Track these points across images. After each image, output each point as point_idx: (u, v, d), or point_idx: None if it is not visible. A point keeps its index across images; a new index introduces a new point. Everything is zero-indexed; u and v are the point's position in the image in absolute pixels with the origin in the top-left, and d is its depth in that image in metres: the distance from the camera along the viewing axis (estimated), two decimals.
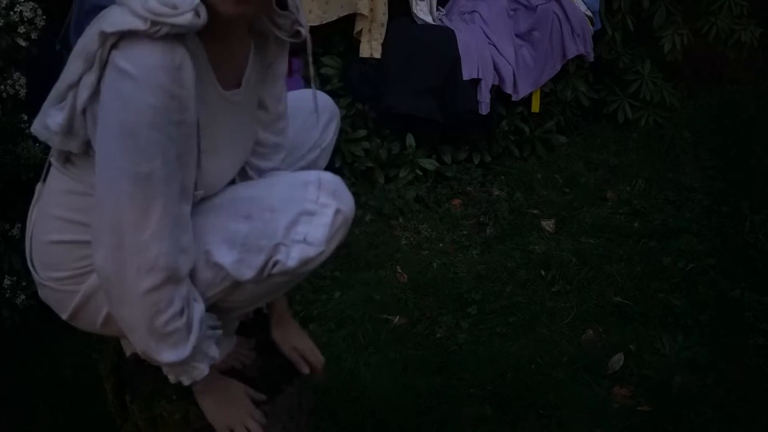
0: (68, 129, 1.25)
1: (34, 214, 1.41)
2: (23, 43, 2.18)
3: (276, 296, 1.53)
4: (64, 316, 1.42)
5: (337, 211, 1.37)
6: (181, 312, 1.27)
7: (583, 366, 2.36)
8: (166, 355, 1.29)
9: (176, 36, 1.17)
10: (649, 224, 3.05)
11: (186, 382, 1.35)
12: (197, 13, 1.18)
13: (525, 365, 2.35)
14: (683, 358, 2.37)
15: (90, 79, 1.19)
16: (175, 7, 1.16)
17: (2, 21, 2.15)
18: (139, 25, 1.15)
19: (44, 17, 2.22)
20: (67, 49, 2.83)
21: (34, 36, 2.19)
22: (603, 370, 2.35)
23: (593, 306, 2.63)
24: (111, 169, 1.20)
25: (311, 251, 1.35)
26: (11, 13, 2.16)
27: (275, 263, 1.33)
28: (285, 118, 1.51)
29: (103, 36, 1.16)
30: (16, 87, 2.16)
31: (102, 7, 3.01)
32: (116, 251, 1.22)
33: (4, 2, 2.17)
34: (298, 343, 1.63)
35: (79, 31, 2.82)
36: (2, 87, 2.15)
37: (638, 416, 2.18)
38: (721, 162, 3.43)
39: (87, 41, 1.20)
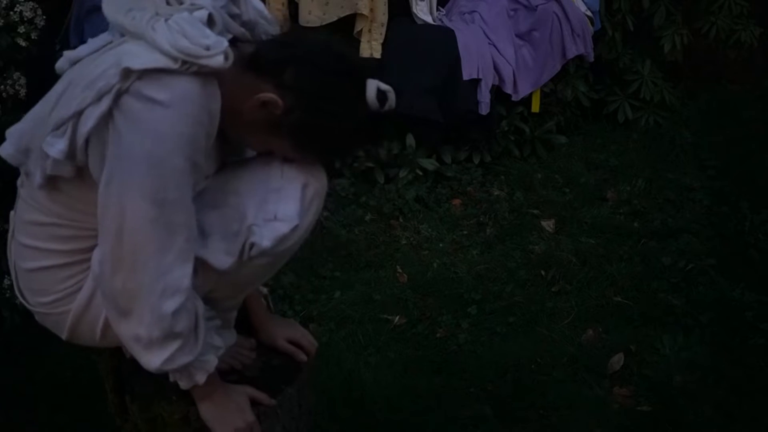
0: (69, 156, 1.23)
1: (13, 244, 1.41)
2: (23, 43, 2.18)
3: (264, 280, 1.50)
4: (64, 337, 1.42)
5: (305, 185, 1.36)
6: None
7: (583, 366, 2.36)
8: (182, 359, 1.29)
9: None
10: (649, 224, 3.05)
11: (200, 379, 1.34)
12: (226, 56, 1.19)
13: (525, 365, 2.35)
14: (683, 358, 2.36)
15: (99, 110, 1.17)
16: (207, 48, 1.17)
17: (2, 21, 2.16)
18: (170, 64, 1.16)
19: (44, 17, 2.23)
20: (67, 49, 2.83)
21: (34, 36, 2.20)
22: (603, 370, 2.35)
23: (593, 306, 2.63)
24: (133, 196, 1.18)
25: (284, 228, 1.33)
26: (11, 13, 2.16)
27: (251, 245, 1.32)
28: None
29: (128, 72, 1.15)
30: (16, 87, 2.16)
31: (101, 7, 3.00)
32: (138, 274, 1.22)
33: (4, 2, 2.17)
34: (288, 334, 1.62)
35: (79, 31, 2.83)
36: (2, 87, 2.15)
37: (638, 416, 2.18)
38: (721, 162, 3.43)
39: (97, 74, 1.18)
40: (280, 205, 1.33)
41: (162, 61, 1.16)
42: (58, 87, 1.28)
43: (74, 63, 1.31)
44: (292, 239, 1.35)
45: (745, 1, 3.74)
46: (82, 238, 1.31)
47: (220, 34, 1.24)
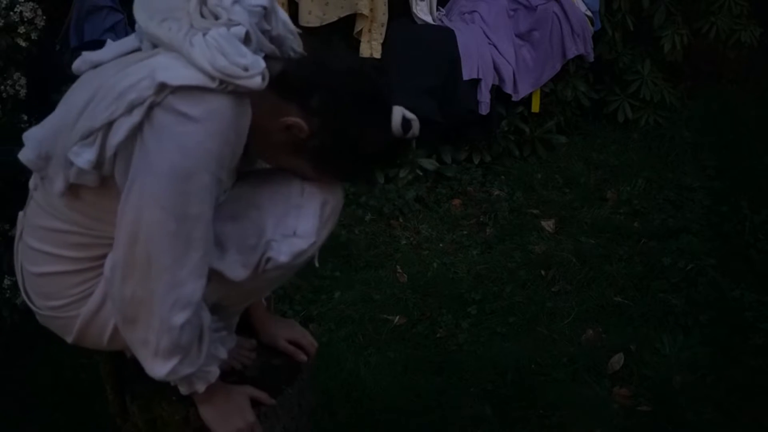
0: (96, 167, 1.22)
1: (20, 246, 1.40)
2: (23, 43, 2.18)
3: (274, 289, 1.52)
4: (69, 340, 1.41)
5: (325, 202, 1.37)
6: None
7: (583, 366, 2.36)
8: (184, 371, 1.29)
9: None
10: (649, 224, 3.05)
11: (200, 389, 1.34)
12: (263, 77, 1.19)
13: (525, 365, 2.35)
14: (683, 358, 2.37)
15: (130, 122, 1.17)
16: (246, 69, 1.17)
17: (2, 21, 2.16)
18: (207, 82, 1.15)
19: (44, 17, 2.23)
20: (67, 49, 2.83)
21: (34, 36, 2.20)
22: (603, 370, 2.35)
23: (593, 306, 2.63)
24: (155, 208, 1.18)
25: (302, 244, 1.34)
26: (11, 13, 2.16)
27: (268, 260, 1.33)
28: None
29: (163, 86, 1.15)
30: (16, 87, 2.16)
31: (101, 7, 2.98)
32: (149, 284, 1.21)
33: (4, 2, 2.17)
34: (288, 334, 1.62)
35: (79, 31, 2.83)
36: (2, 87, 2.15)
37: (638, 416, 2.18)
38: (721, 162, 3.43)
39: (128, 85, 1.17)
40: (300, 222, 1.35)
41: (199, 79, 1.15)
42: (82, 94, 1.25)
43: (95, 66, 1.29)
44: (307, 254, 1.37)
45: (745, 1, 3.74)
46: (97, 246, 1.30)
47: (255, 52, 1.23)
